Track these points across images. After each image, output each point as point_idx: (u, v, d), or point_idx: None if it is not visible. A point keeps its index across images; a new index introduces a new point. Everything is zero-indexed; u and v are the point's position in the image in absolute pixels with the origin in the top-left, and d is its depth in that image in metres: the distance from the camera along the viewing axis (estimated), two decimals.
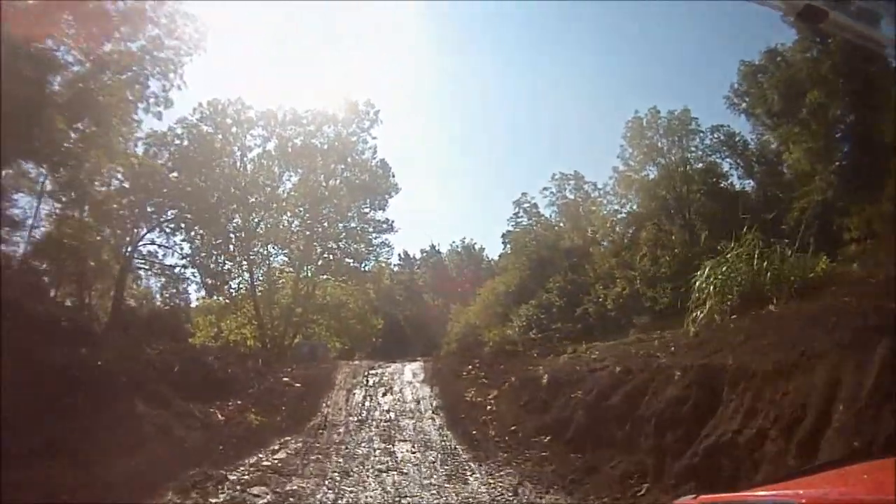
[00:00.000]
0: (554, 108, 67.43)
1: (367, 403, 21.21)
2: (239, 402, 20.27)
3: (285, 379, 24.33)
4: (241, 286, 41.76)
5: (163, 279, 39.70)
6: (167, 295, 41.96)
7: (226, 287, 40.85)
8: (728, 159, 40.71)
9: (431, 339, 50.45)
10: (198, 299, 43.21)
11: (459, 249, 63.34)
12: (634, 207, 42.74)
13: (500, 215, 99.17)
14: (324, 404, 20.99)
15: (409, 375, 25.27)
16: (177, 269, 39.10)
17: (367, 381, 24.18)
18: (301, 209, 42.60)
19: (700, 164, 40.54)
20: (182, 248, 38.58)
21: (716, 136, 40.36)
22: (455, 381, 23.46)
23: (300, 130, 42.34)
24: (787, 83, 33.22)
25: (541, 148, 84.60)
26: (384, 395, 22.27)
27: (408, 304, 53.61)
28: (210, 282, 38.84)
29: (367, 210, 44.21)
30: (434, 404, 20.79)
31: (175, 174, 37.53)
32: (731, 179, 40.71)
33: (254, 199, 41.01)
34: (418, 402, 21.16)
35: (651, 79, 67.72)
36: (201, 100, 39.83)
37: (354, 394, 22.35)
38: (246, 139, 41.17)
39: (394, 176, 44.29)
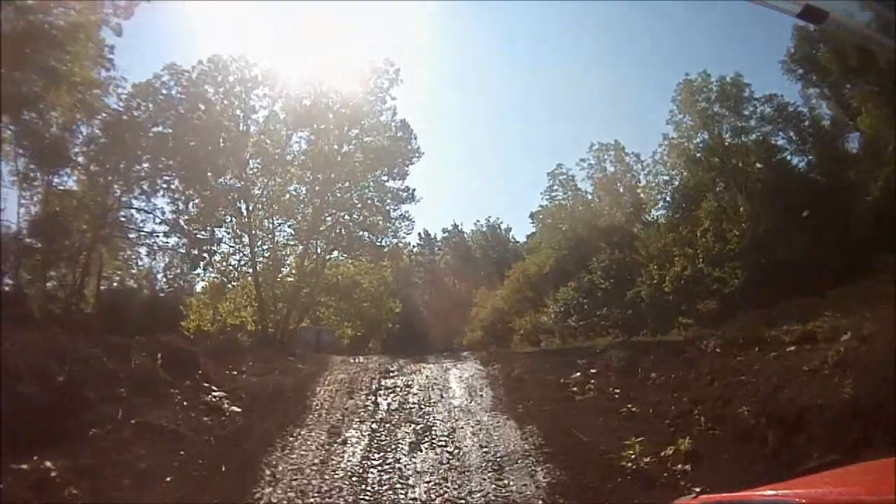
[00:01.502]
0: (590, 73, 60.35)
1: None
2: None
3: (217, 395, 15.07)
4: (241, 262, 36.75)
5: (143, 250, 34.31)
6: (170, 276, 37.27)
7: (216, 259, 35.46)
8: (782, 132, 36.32)
9: (453, 325, 45.57)
10: (203, 281, 38.11)
11: (484, 229, 58.59)
12: (684, 179, 37.96)
13: (528, 192, 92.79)
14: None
15: (460, 392, 16.02)
16: (157, 238, 33.28)
17: (378, 402, 15.45)
18: (310, 174, 37.50)
19: (755, 135, 36.16)
20: (164, 213, 32.80)
21: (770, 104, 35.96)
22: (585, 419, 13.25)
23: (310, 90, 37.13)
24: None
25: (575, 117, 73.97)
26: (418, 459, 11.78)
27: (428, 287, 48.85)
28: (196, 252, 33.10)
29: (385, 178, 39.03)
30: None
31: (159, 128, 32.11)
32: (786, 154, 36.36)
33: (255, 163, 36.10)
34: None
35: (692, 43, 61.33)
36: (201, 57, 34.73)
37: (341, 450, 12.25)
38: (250, 99, 35.95)
39: (416, 138, 39.09)
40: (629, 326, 34.00)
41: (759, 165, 34.96)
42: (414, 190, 39.50)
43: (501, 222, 58.95)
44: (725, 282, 31.40)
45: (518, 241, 55.17)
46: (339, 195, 38.25)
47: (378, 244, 40.04)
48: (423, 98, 61.17)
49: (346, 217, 38.72)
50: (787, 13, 6.43)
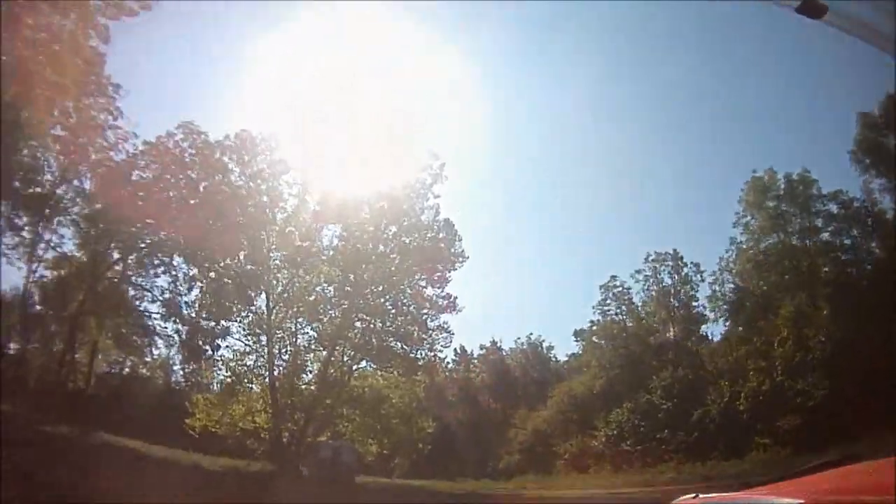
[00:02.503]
0: (645, 176, 56.35)
1: None
2: None
3: None
4: (256, 363, 32.96)
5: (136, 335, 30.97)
6: (188, 370, 33.95)
7: (226, 356, 32.32)
8: (846, 230, 33.82)
9: (489, 448, 41.21)
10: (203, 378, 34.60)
11: (525, 346, 54.07)
12: (753, 287, 34.90)
13: (571, 309, 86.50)
14: None
15: None
16: (152, 320, 30.06)
17: None
18: (340, 273, 34.25)
19: (824, 235, 33.93)
20: (162, 292, 29.96)
21: (836, 202, 33.63)
22: None
23: (346, 182, 35.05)
24: None
25: (625, 225, 64.57)
26: None
27: (462, 405, 44.70)
28: (193, 344, 29.44)
29: (423, 283, 35.62)
30: None
31: (166, 193, 29.50)
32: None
33: (279, 255, 33.26)
34: None
35: (753, 139, 57.29)
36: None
37: None
38: (279, 184, 33.59)
39: (460, 240, 35.82)
40: (695, 450, 30.76)
41: (826, 269, 32.77)
42: (455, 298, 35.74)
43: (543, 340, 54.48)
44: (810, 395, 28.07)
45: (559, 360, 51.72)
46: (371, 299, 34.85)
47: (412, 356, 35.90)
48: (462, 197, 57.07)
49: (378, 324, 35.16)
50: (785, 5, 6.09)
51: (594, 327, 40.83)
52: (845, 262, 32.94)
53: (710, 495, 4.56)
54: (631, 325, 39.50)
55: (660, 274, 39.33)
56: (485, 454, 40.40)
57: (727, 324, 35.81)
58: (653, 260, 39.31)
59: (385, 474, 37.38)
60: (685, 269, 38.89)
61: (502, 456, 40.17)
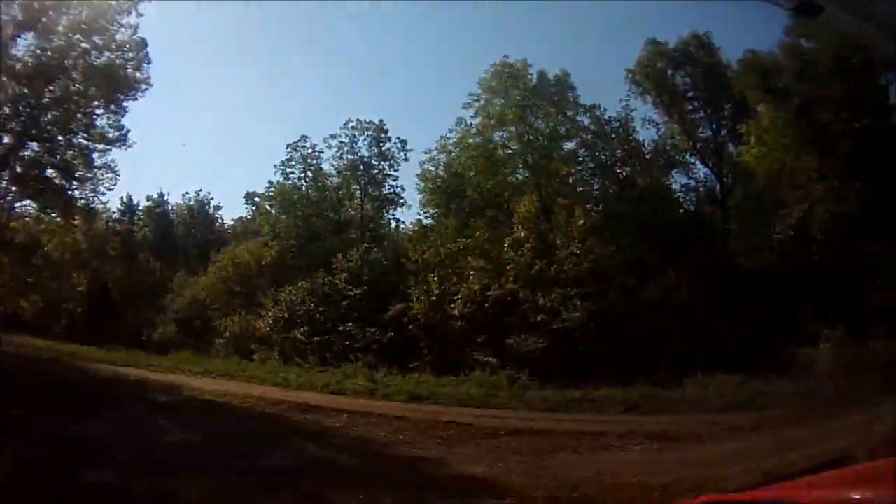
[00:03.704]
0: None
1: None
2: None
3: None
4: None
5: None
6: None
7: None
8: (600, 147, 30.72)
9: (147, 314, 36.32)
10: None
11: (192, 202, 48.25)
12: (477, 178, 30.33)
13: (254, 170, 77.00)
14: None
15: None
16: None
17: None
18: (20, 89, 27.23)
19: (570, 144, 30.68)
20: None
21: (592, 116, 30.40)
22: None
23: None
24: None
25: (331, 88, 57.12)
26: None
27: (123, 263, 38.61)
28: None
29: (99, 110, 29.62)
30: None
31: None
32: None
33: None
34: None
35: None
36: None
37: None
38: None
39: (150, 63, 29.77)
40: (390, 353, 26.00)
41: (569, 178, 30.11)
42: (129, 131, 30.27)
43: (212, 198, 48.82)
44: (553, 311, 24.56)
45: (224, 223, 47.65)
46: (44, 124, 28.56)
47: (74, 195, 30.03)
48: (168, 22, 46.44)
49: (46, 155, 28.84)
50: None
51: (271, 190, 36.39)
52: (587, 178, 30.48)
53: (710, 495, 4.68)
54: (314, 194, 35.32)
55: (357, 144, 35.17)
56: (143, 321, 35.49)
57: (436, 211, 31.48)
58: (353, 127, 34.92)
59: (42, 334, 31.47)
60: (388, 144, 35.18)
61: (159, 325, 35.49)
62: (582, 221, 27.23)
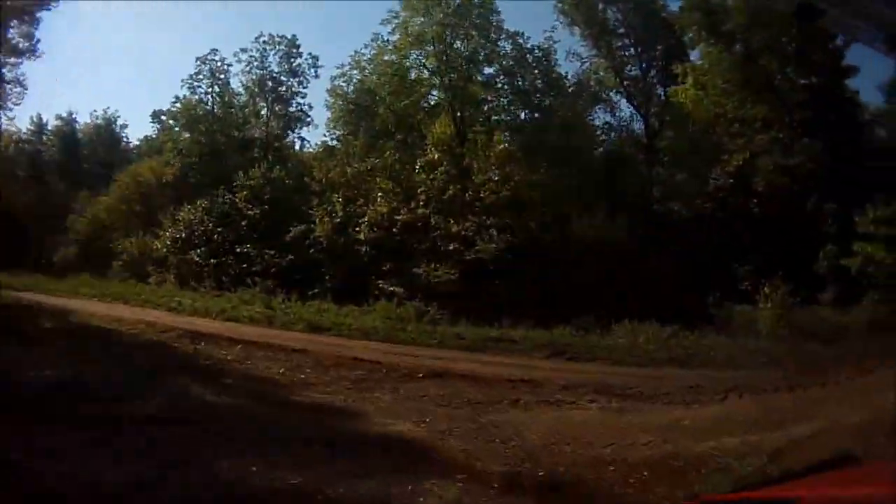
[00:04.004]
0: None
1: None
2: None
3: None
4: None
5: None
6: None
7: None
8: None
9: (50, 236, 35.44)
10: None
11: (100, 121, 46.06)
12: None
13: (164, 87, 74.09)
14: None
15: None
16: None
17: None
18: None
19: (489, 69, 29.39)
20: None
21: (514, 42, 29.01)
22: None
23: None
24: None
25: None
26: None
27: (30, 184, 37.66)
28: None
29: (11, 21, 27.78)
30: None
31: None
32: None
33: None
34: None
35: None
36: None
37: None
38: None
39: None
40: (291, 278, 24.74)
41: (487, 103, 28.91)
42: (39, 41, 29.21)
43: (118, 116, 46.87)
44: (472, 243, 23.35)
45: (130, 142, 46.10)
46: None
47: None
48: None
49: None
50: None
51: (177, 105, 34.40)
52: (506, 106, 29.23)
53: (710, 495, 4.82)
54: (220, 111, 33.78)
55: (267, 59, 33.53)
56: (49, 244, 34.61)
57: (344, 131, 30.10)
58: (264, 42, 33.32)
59: None
60: (299, 60, 33.64)
61: (60, 249, 34.51)
62: (501, 147, 26.02)
